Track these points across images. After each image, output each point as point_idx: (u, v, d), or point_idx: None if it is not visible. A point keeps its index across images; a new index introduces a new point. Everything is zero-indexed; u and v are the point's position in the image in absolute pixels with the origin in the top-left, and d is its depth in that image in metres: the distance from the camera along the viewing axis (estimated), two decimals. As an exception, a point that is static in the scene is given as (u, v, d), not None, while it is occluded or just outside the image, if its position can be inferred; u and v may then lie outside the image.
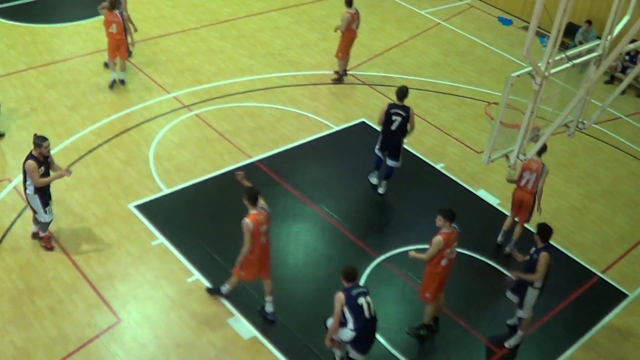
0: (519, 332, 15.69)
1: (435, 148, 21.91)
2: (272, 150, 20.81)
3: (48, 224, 16.48)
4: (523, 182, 17.32)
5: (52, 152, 18.97)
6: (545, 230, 14.59)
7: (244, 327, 15.36)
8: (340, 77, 24.68)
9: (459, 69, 26.89)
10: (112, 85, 22.76)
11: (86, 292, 15.72)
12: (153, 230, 17.51)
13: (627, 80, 15.00)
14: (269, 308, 15.57)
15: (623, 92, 16.11)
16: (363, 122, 22.56)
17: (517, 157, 13.99)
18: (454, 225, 14.53)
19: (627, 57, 26.78)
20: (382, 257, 17.59)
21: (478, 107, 24.18)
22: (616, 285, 17.90)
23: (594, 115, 15.29)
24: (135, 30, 23.35)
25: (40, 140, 15.50)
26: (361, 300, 13.16)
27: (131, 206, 18.14)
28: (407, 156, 20.29)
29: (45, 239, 16.68)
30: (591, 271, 18.21)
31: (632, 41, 13.40)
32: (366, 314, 13.20)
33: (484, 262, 17.81)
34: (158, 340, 14.89)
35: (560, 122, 13.89)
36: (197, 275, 16.39)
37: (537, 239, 14.60)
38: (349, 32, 23.82)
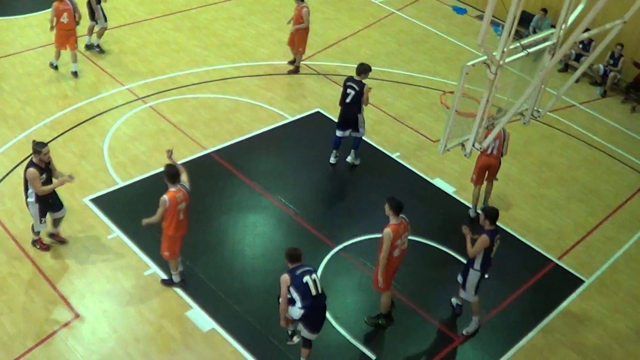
0: (474, 318, 15.85)
1: (390, 137, 21.97)
2: (228, 141, 20.75)
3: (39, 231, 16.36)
4: (489, 151, 18.14)
5: (5, 147, 18.99)
6: (493, 213, 14.81)
7: (203, 319, 15.35)
8: (297, 69, 24.66)
9: (413, 58, 26.95)
10: (55, 67, 22.98)
11: (43, 287, 15.61)
12: (109, 223, 17.41)
13: (582, 68, 15.15)
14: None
15: (577, 80, 16.26)
16: (318, 112, 22.55)
17: (473, 145, 14.07)
18: (403, 216, 14.61)
19: (580, 46, 27.00)
20: (339, 246, 17.61)
21: (433, 96, 24.26)
22: (572, 271, 18.11)
23: (549, 103, 15.41)
24: (106, 19, 23.72)
25: (39, 147, 15.17)
26: (306, 279, 13.35)
27: (86, 200, 18.02)
28: (362, 146, 20.41)
29: (39, 241, 16.49)
30: (547, 257, 18.40)
31: (586, 30, 13.53)
32: (312, 291, 13.36)
33: (441, 250, 17.89)
34: (117, 335, 14.83)
35: (516, 111, 13.98)
36: (154, 268, 16.33)
37: (485, 222, 14.77)
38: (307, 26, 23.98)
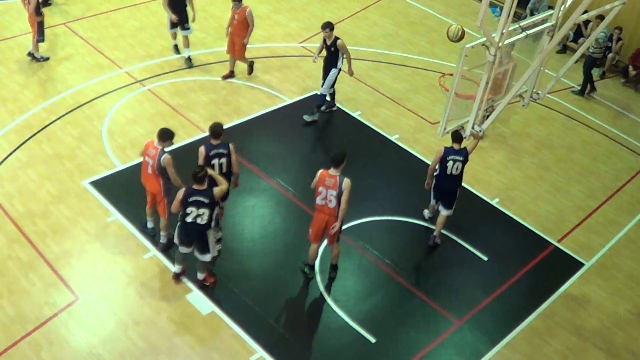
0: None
1: (389, 119, 21.94)
2: (226, 124, 20.58)
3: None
4: None
5: (4, 130, 19.12)
6: (454, 134, 16.00)
7: (203, 302, 15.37)
8: (251, 68, 23.20)
9: (411, 40, 26.89)
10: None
11: (43, 270, 15.63)
12: (108, 206, 17.40)
13: (580, 50, 15.16)
14: (149, 224, 16.93)
15: (575, 62, 16.24)
16: (317, 95, 22.49)
17: (472, 128, 14.09)
18: (346, 179, 15.02)
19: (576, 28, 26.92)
20: (339, 229, 17.60)
21: (431, 78, 24.24)
22: (572, 254, 18.11)
23: (548, 85, 15.39)
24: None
25: (201, 170, 14.44)
26: (214, 161, 15.51)
27: (86, 183, 18.00)
28: (361, 128, 20.67)
29: (206, 277, 15.80)
30: (547, 240, 18.40)
31: (585, 12, 13.51)
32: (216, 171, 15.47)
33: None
34: (117, 317, 14.87)
35: (515, 93, 13.99)
36: (153, 251, 16.34)
37: None
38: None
